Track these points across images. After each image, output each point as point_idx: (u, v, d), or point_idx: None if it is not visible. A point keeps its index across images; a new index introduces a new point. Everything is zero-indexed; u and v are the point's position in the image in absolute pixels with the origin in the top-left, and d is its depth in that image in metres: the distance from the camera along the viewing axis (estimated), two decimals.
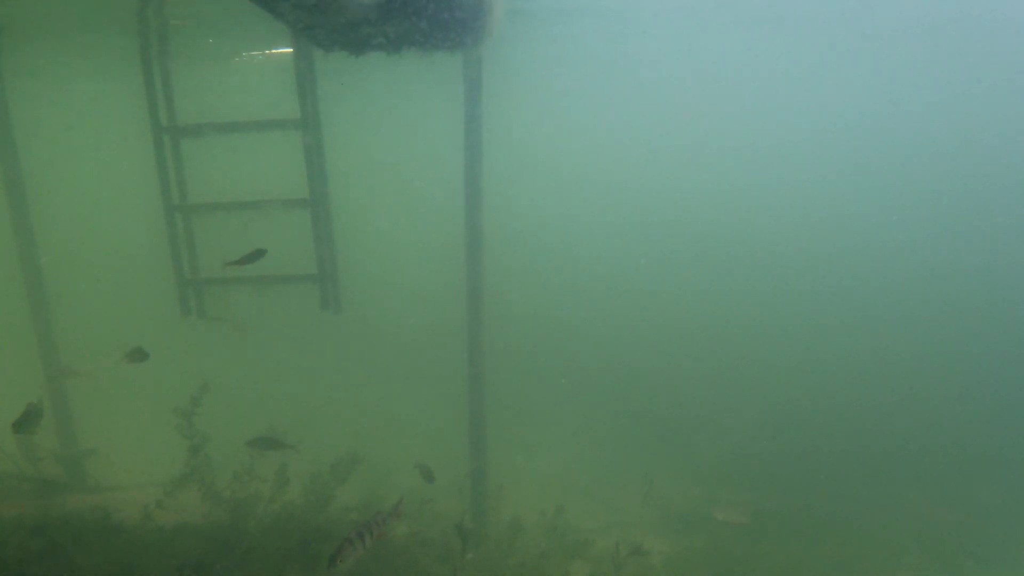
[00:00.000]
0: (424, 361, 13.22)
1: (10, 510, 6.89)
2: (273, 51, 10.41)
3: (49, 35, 9.34)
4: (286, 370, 13.88)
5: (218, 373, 8.30)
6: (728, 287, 16.26)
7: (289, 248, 7.79)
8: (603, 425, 12.56)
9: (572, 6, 10.03)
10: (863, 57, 14.15)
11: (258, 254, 6.28)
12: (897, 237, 15.49)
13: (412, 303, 16.00)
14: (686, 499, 10.04)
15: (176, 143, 7.34)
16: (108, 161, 17.16)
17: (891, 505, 9.58)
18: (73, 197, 17.31)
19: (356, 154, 16.07)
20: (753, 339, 14.17)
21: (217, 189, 7.71)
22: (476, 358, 7.24)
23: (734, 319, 15.05)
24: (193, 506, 7.18)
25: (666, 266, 17.42)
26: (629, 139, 19.59)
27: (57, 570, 5.71)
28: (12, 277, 8.30)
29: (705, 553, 8.50)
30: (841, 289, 15.40)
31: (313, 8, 5.09)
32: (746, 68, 14.77)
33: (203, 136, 7.37)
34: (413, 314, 15.60)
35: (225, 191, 7.53)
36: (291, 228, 7.65)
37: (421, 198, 18.83)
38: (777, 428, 11.34)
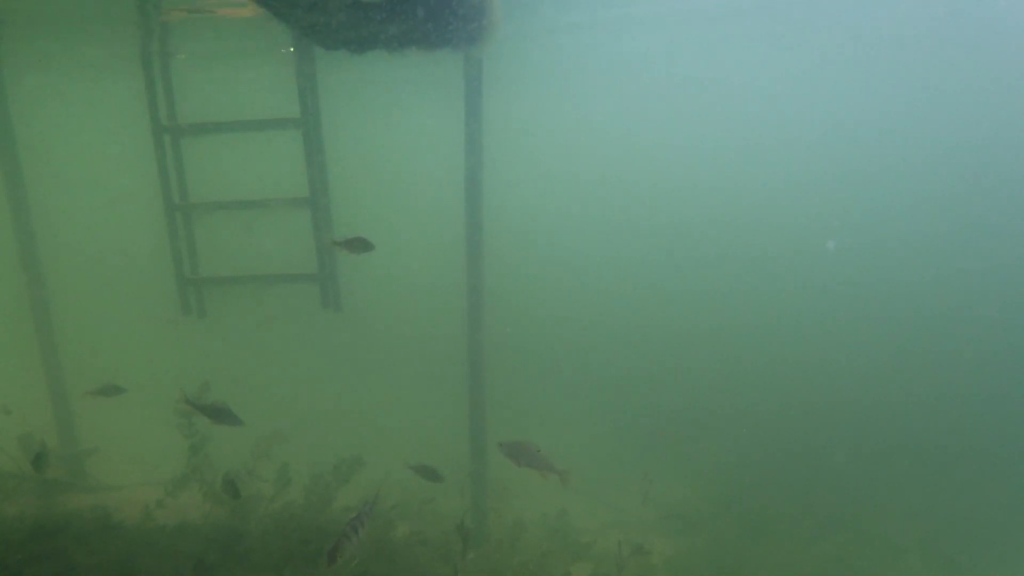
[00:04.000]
0: (424, 360, 13.22)
1: (10, 509, 6.89)
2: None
3: (50, 34, 9.33)
4: (286, 369, 13.88)
5: (218, 372, 8.29)
6: (728, 287, 16.26)
7: (290, 247, 7.79)
8: (603, 425, 12.55)
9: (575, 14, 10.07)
10: (861, 59, 14.15)
11: (363, 244, 5.92)
12: (899, 237, 15.48)
13: (412, 302, 15.99)
14: (686, 499, 10.03)
15: (176, 142, 7.33)
16: (109, 160, 17.16)
17: (891, 505, 9.58)
18: (74, 196, 17.29)
19: (357, 153, 16.07)
20: (753, 339, 14.18)
21: (218, 188, 7.70)
22: (476, 357, 7.23)
23: (734, 319, 15.05)
24: (194, 505, 7.18)
25: (666, 266, 17.42)
26: (630, 138, 19.59)
27: (58, 569, 5.70)
28: (13, 276, 8.29)
29: (705, 553, 8.50)
30: (841, 289, 15.40)
31: (313, 7, 5.08)
32: (747, 68, 14.76)
33: (203, 135, 7.36)
34: (413, 313, 15.60)
35: (226, 190, 7.53)
36: (292, 227, 7.65)
37: (421, 197, 18.83)
38: (777, 428, 11.34)
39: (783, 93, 16.70)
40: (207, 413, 5.46)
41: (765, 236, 16.76)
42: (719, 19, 11.01)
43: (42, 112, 13.33)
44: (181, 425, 7.30)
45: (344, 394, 13.10)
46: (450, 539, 6.93)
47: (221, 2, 7.78)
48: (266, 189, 7.49)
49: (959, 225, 14.72)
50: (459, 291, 7.17)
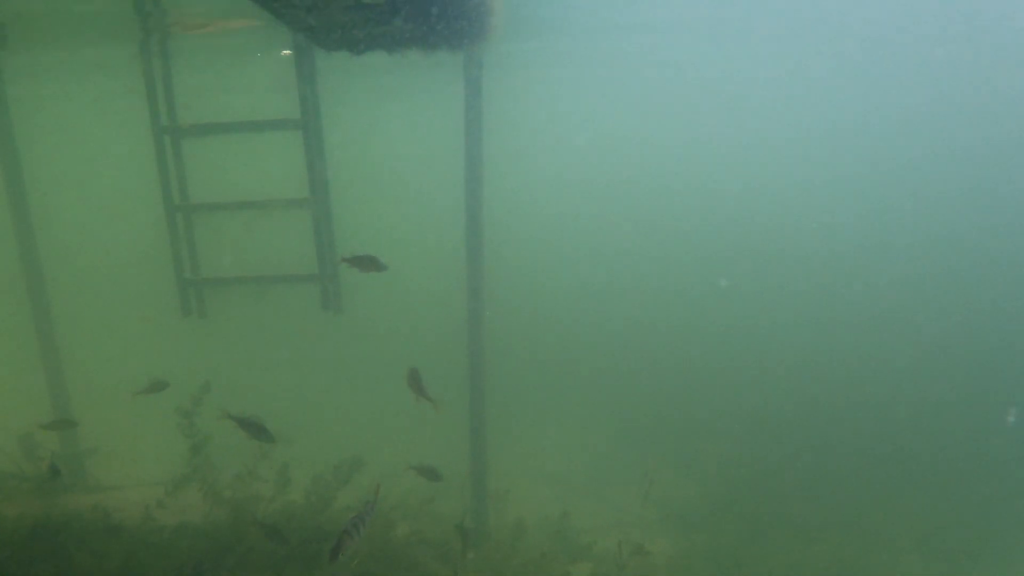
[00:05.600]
0: (425, 361, 13.20)
1: (10, 510, 6.88)
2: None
3: (50, 35, 9.34)
4: (287, 370, 13.89)
5: (219, 373, 8.29)
6: (728, 287, 16.27)
7: (290, 248, 7.79)
8: (603, 425, 12.56)
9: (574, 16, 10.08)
10: (863, 61, 14.15)
11: (373, 263, 5.76)
12: (899, 238, 15.50)
13: (413, 303, 16.00)
14: (686, 499, 10.03)
15: (177, 143, 7.34)
16: (109, 161, 17.18)
17: (891, 505, 9.58)
18: (74, 197, 17.31)
19: (357, 154, 16.08)
20: (753, 339, 14.18)
21: (218, 189, 7.71)
22: (477, 358, 7.24)
23: (734, 319, 15.06)
24: (194, 506, 7.18)
25: (667, 266, 17.43)
26: (630, 139, 19.61)
27: (58, 569, 5.71)
28: (13, 277, 8.30)
29: (706, 552, 8.50)
30: (840, 289, 15.41)
31: (313, 8, 5.09)
32: (750, 68, 14.77)
33: (204, 136, 7.37)
34: (414, 314, 15.60)
35: (226, 191, 7.53)
36: (292, 228, 7.65)
37: (422, 197, 18.85)
38: (778, 427, 11.34)
39: (784, 94, 16.71)
40: (245, 428, 5.61)
41: (767, 236, 16.79)
42: (722, 20, 11.01)
43: (43, 113, 13.34)
44: (182, 425, 7.30)
45: (344, 395, 13.10)
46: (450, 539, 6.93)
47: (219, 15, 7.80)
48: (267, 190, 7.50)
49: (962, 227, 14.74)
50: (460, 291, 7.18)
